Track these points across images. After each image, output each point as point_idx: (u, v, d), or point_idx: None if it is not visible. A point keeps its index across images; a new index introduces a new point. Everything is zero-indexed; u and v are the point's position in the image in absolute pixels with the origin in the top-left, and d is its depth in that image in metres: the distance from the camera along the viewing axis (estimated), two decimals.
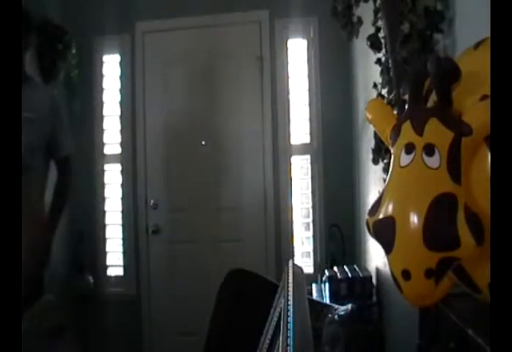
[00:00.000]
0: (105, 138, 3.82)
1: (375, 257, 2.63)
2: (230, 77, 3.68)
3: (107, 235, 3.81)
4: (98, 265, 3.75)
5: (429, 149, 0.78)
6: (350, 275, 2.68)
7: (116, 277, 3.80)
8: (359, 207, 3.14)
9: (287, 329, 0.80)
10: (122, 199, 3.78)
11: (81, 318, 3.52)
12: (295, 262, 1.74)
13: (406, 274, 0.78)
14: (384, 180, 0.88)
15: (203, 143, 3.67)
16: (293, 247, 3.62)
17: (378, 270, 2.64)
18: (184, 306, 3.56)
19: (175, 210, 3.70)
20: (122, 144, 3.80)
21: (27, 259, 1.13)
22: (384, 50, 1.80)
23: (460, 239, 0.73)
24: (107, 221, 3.80)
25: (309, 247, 3.64)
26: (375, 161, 2.03)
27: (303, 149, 3.66)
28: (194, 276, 3.57)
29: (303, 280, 1.34)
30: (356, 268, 2.83)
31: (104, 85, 3.83)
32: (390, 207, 0.81)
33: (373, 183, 2.51)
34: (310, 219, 3.62)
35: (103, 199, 3.80)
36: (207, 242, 3.63)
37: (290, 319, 0.85)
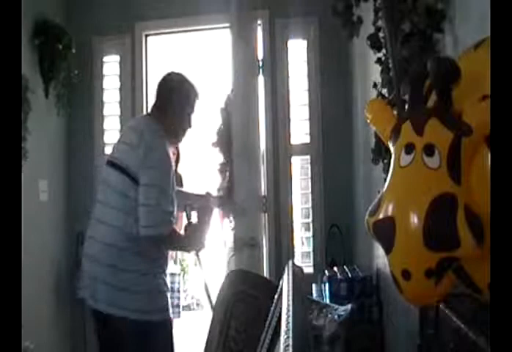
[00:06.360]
0: (106, 138, 3.81)
1: (375, 257, 2.63)
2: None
3: None
4: None
5: (429, 150, 0.78)
6: (350, 275, 2.68)
7: None
8: (359, 207, 3.13)
9: (287, 329, 0.80)
10: None
11: (80, 319, 3.52)
12: (295, 262, 1.74)
13: (406, 274, 0.78)
14: (384, 180, 0.87)
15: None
16: (293, 247, 3.61)
17: (378, 270, 2.64)
18: None
19: None
20: None
21: None
22: (384, 50, 1.80)
23: (460, 239, 0.73)
24: None
25: (309, 247, 3.64)
26: (375, 161, 2.02)
27: (303, 149, 3.65)
28: None
29: (303, 280, 1.33)
30: (356, 268, 2.82)
31: (104, 85, 3.83)
32: (390, 207, 0.81)
33: (373, 183, 2.51)
34: (310, 219, 3.62)
35: None
36: None
37: (290, 319, 0.85)
